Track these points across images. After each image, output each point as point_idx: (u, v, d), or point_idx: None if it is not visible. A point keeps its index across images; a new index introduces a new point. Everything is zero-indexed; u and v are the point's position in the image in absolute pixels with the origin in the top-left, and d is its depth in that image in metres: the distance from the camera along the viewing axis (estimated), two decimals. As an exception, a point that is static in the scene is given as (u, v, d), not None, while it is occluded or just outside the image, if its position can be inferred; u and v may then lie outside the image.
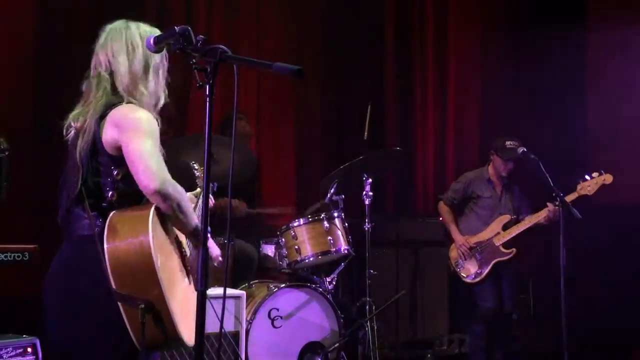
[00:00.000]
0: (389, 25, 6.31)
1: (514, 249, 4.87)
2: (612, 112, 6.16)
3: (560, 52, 6.35)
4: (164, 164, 2.19)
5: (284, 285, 4.16)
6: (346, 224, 4.35)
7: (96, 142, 2.23)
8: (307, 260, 4.26)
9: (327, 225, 4.25)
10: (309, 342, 4.15)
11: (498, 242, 4.88)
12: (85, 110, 2.30)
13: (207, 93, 2.01)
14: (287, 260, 4.29)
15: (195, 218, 2.30)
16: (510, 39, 6.53)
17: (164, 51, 2.31)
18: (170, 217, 2.23)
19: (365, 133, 4.84)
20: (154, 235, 2.10)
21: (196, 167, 3.16)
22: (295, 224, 4.29)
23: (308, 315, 4.17)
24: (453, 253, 5.02)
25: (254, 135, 5.43)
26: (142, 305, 2.04)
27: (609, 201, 5.88)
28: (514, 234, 4.86)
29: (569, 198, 4.50)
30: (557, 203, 4.38)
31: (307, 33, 5.91)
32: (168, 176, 2.17)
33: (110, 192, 2.22)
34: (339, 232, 4.29)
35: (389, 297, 4.67)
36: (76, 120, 2.30)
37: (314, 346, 4.15)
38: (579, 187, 4.59)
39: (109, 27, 2.37)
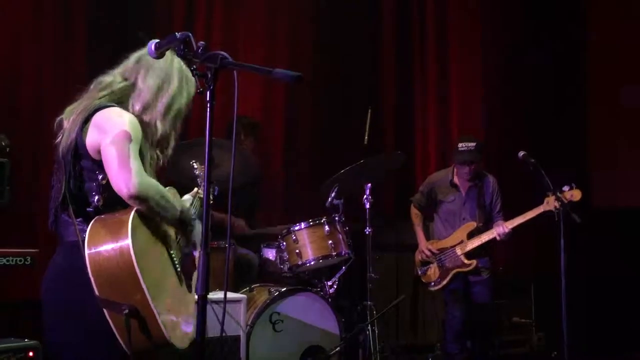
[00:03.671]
0: (388, 25, 6.31)
1: (473, 262, 4.68)
2: (614, 112, 6.17)
3: (562, 52, 6.36)
4: (140, 165, 2.18)
5: (285, 289, 4.17)
6: (347, 228, 4.36)
7: (78, 146, 2.23)
8: (308, 264, 4.27)
9: (328, 229, 4.26)
10: (309, 346, 4.15)
11: (460, 251, 4.73)
12: (79, 106, 2.30)
13: (208, 99, 2.02)
14: (288, 264, 4.30)
15: (177, 207, 2.31)
16: (512, 42, 6.54)
17: (189, 99, 2.36)
18: (153, 216, 2.24)
19: (365, 137, 4.84)
20: (134, 239, 2.10)
21: (196, 166, 3.15)
22: (296, 227, 4.29)
23: (309, 319, 4.17)
24: (417, 257, 4.94)
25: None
26: (126, 311, 2.04)
27: (611, 204, 5.90)
28: (476, 245, 4.70)
29: (540, 210, 4.44)
30: (556, 208, 4.32)
31: (301, 35, 5.90)
32: (144, 178, 2.16)
33: (97, 197, 2.21)
34: (340, 236, 4.30)
35: (389, 301, 4.67)
36: (68, 117, 2.30)
37: (314, 350, 4.15)
38: (545, 200, 4.44)
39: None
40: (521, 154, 4.45)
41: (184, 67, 2.36)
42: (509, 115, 6.45)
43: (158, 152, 2.37)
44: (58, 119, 2.34)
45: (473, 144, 4.73)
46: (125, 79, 2.35)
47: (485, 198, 4.87)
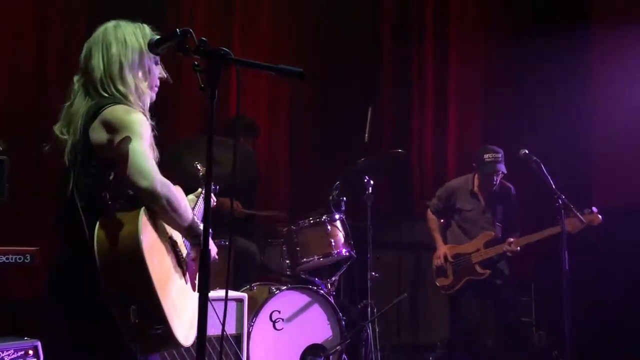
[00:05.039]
0: (386, 25, 6.31)
1: (487, 271, 4.71)
2: (616, 114, 6.15)
3: (563, 53, 6.34)
4: (154, 163, 2.18)
5: (285, 287, 4.16)
6: (348, 226, 4.35)
7: (86, 144, 2.22)
8: (309, 262, 4.26)
9: (329, 227, 4.25)
10: (310, 345, 4.14)
11: (475, 259, 4.75)
12: (71, 115, 2.28)
13: (209, 95, 2.00)
14: (289, 262, 4.29)
15: (190, 215, 2.29)
16: (512, 42, 6.51)
17: (146, 51, 2.32)
18: (163, 216, 2.23)
19: (367, 135, 4.83)
20: (144, 235, 2.09)
21: (199, 167, 3.18)
22: (297, 226, 4.29)
23: (310, 318, 4.17)
24: (434, 262, 4.95)
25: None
26: (134, 306, 2.03)
27: (613, 204, 5.88)
28: (490, 255, 4.72)
29: (550, 232, 4.45)
30: (560, 205, 4.32)
31: (302, 34, 5.91)
32: (159, 175, 2.16)
33: (104, 194, 2.21)
34: (341, 235, 4.29)
35: (390, 299, 4.67)
36: (63, 127, 2.29)
37: (315, 348, 4.15)
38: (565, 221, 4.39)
39: (95, 33, 2.37)
40: (522, 152, 4.43)
41: (121, 27, 2.33)
42: (508, 114, 6.43)
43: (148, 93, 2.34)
44: (54, 127, 2.32)
45: (499, 154, 4.72)
46: (78, 75, 2.34)
47: (504, 208, 4.88)
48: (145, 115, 2.29)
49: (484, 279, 4.75)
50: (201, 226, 2.34)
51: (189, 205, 2.39)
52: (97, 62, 2.29)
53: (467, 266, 4.78)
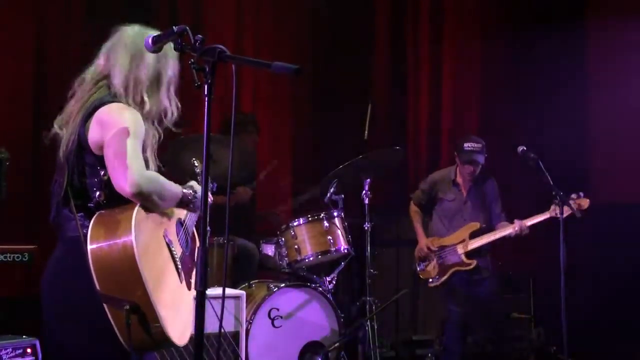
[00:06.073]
0: (381, 23, 6.31)
1: (473, 261, 4.68)
2: (613, 109, 6.15)
3: (560, 48, 6.34)
4: (142, 163, 2.17)
5: (283, 285, 4.16)
6: (346, 223, 4.35)
7: (81, 141, 2.21)
8: (307, 260, 4.26)
9: (327, 224, 4.25)
10: (309, 342, 4.15)
11: (461, 250, 4.72)
12: (73, 108, 2.28)
13: (206, 93, 2.01)
14: (287, 259, 4.29)
15: (178, 189, 2.29)
16: (509, 37, 6.51)
17: (176, 66, 2.32)
18: (156, 208, 2.24)
19: (365, 132, 4.83)
20: (137, 235, 2.09)
21: (196, 164, 3.19)
22: (295, 223, 4.29)
23: (308, 315, 4.17)
24: (417, 254, 4.92)
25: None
26: (127, 306, 2.03)
27: (610, 199, 5.89)
28: (478, 245, 4.69)
29: (539, 217, 4.48)
30: (556, 201, 4.34)
31: (299, 32, 5.91)
32: (144, 173, 2.15)
33: (98, 193, 2.20)
34: (339, 232, 4.29)
35: (389, 296, 4.67)
36: (64, 121, 2.29)
37: (314, 346, 4.15)
38: (552, 207, 4.43)
39: (121, 29, 2.34)
40: (520, 149, 4.42)
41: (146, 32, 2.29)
42: (505, 110, 6.43)
43: (157, 126, 2.33)
44: (52, 132, 2.31)
45: (479, 144, 4.73)
46: (101, 72, 2.32)
47: (486, 199, 4.86)
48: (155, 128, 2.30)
49: (472, 273, 4.72)
50: (191, 190, 2.33)
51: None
52: (123, 64, 2.26)
53: (453, 257, 4.75)
